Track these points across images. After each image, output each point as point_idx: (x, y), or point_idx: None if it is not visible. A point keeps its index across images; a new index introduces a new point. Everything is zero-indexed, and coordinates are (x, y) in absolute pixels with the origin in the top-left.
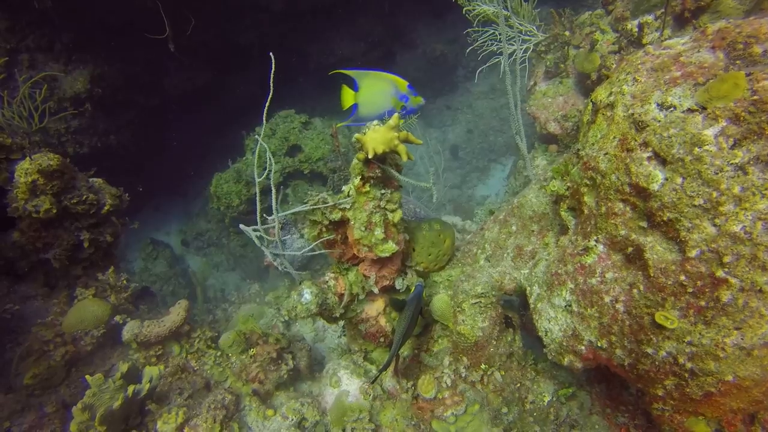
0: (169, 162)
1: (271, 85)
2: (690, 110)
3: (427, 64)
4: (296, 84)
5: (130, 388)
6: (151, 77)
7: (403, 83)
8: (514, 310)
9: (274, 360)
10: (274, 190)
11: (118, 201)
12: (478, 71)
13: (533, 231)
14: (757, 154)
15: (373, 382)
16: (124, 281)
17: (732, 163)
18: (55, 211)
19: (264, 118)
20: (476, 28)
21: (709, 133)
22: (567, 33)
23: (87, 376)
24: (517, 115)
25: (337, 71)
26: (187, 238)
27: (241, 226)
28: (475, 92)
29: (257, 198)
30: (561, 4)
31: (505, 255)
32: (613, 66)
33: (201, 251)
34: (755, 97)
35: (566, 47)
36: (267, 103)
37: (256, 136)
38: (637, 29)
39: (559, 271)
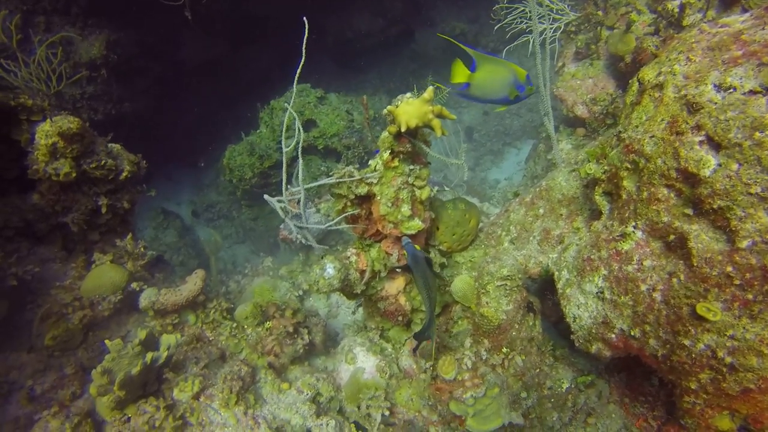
0: (182, 132)
1: (303, 51)
2: (752, 92)
3: (445, 42)
4: (312, 58)
5: (149, 356)
6: (166, 46)
7: (523, 73)
8: (533, 294)
9: (290, 334)
10: (300, 160)
11: (135, 168)
12: (505, 49)
13: (562, 215)
14: None
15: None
16: (142, 248)
17: None
18: (74, 174)
19: (295, 85)
20: (504, 5)
21: None
22: (600, 13)
23: (107, 341)
24: (546, 97)
25: (452, 41)
26: (198, 209)
27: (266, 197)
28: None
29: (284, 168)
30: None
31: (531, 238)
32: (651, 48)
33: (211, 223)
34: None
35: (599, 27)
36: (299, 69)
37: (285, 104)
38: (678, 9)
39: (592, 257)
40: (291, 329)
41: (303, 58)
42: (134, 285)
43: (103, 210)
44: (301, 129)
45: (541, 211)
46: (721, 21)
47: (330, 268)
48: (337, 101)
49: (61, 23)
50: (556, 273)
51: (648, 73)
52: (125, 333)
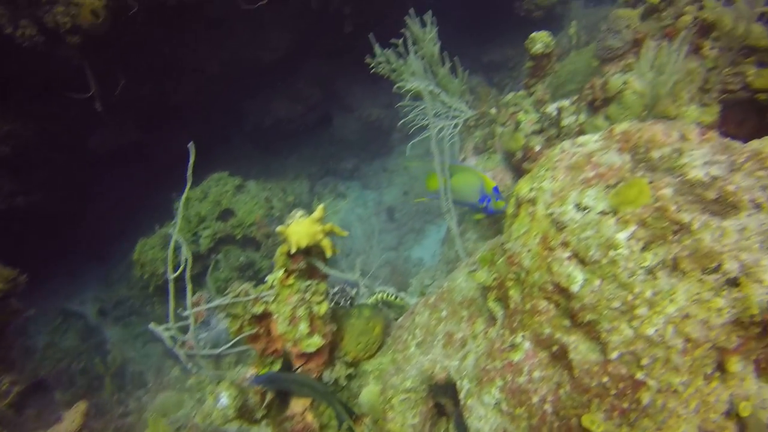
0: (89, 224)
1: (190, 175)
2: (603, 213)
3: (363, 127)
4: (231, 145)
5: None
6: (73, 135)
7: (491, 185)
8: (447, 395)
9: None
10: (189, 288)
11: (11, 285)
12: (409, 144)
13: (463, 317)
14: (663, 258)
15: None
16: (6, 385)
17: (642, 267)
18: None
19: (180, 209)
20: (407, 103)
21: (621, 237)
22: (493, 110)
23: None
24: (447, 193)
25: (428, 163)
26: (106, 307)
27: (151, 327)
28: (411, 155)
29: (171, 293)
30: (490, 75)
31: (436, 342)
32: (536, 147)
33: (121, 321)
34: (657, 204)
35: (493, 125)
36: (185, 194)
37: (173, 224)
38: (555, 113)
39: (488, 367)
40: None
41: (189, 183)
42: None
43: None
44: (189, 254)
45: (444, 313)
46: (578, 140)
47: (224, 398)
48: (256, 189)
49: None
50: (458, 382)
51: (523, 188)
52: None
